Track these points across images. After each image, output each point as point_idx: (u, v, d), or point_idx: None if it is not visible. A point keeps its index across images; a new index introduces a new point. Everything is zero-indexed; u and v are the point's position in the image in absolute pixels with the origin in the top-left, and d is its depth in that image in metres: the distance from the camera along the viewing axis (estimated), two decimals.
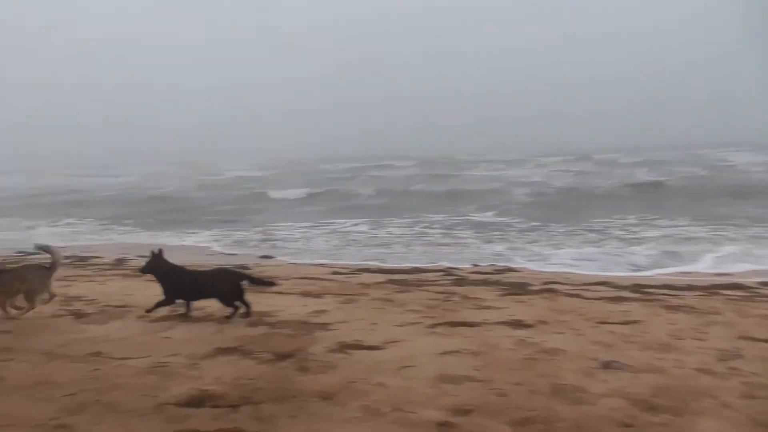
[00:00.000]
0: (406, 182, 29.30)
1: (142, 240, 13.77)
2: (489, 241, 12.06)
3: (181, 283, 4.97)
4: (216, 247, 12.55)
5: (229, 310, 4.91)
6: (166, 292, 4.95)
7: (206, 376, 3.34)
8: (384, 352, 3.86)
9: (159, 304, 4.93)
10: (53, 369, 3.49)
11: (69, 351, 3.94)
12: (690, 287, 6.83)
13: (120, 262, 9.99)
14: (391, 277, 7.81)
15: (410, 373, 3.37)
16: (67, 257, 10.81)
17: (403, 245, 12.00)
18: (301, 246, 12.47)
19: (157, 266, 4.98)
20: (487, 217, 16.30)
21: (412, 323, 4.71)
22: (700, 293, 6.40)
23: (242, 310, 4.91)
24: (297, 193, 25.68)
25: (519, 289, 6.74)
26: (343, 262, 9.86)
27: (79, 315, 5.08)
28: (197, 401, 2.95)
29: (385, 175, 35.45)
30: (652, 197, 19.20)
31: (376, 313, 5.19)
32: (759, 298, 6.06)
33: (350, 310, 5.31)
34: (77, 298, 5.88)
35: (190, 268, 5.37)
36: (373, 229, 14.47)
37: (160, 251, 5.07)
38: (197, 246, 12.77)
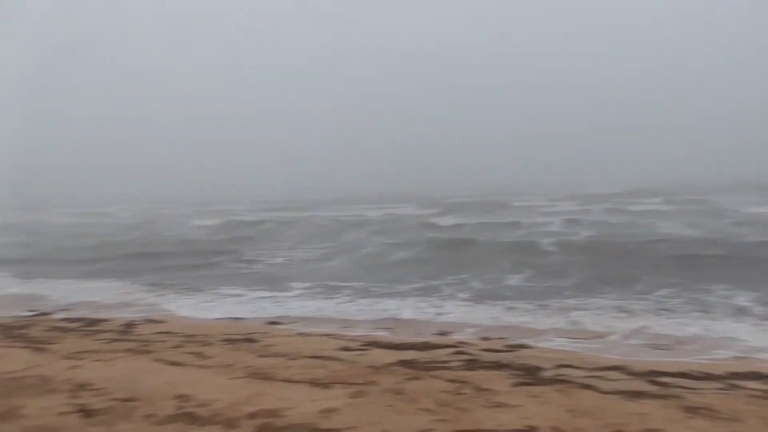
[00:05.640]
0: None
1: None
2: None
3: None
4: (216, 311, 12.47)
5: None
6: None
7: None
8: None
9: None
10: None
11: None
12: (708, 377, 6.68)
13: (128, 329, 9.89)
14: (402, 356, 7.68)
15: None
16: (73, 320, 10.82)
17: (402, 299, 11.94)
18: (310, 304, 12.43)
19: None
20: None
21: (425, 431, 4.59)
22: (720, 386, 6.24)
23: None
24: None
25: (531, 375, 6.60)
26: (352, 333, 9.76)
27: (87, 413, 5.01)
28: None
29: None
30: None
31: (388, 412, 5.07)
32: None
33: (361, 408, 5.18)
34: (85, 387, 5.81)
35: None
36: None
37: None
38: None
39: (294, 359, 7.34)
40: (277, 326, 10.46)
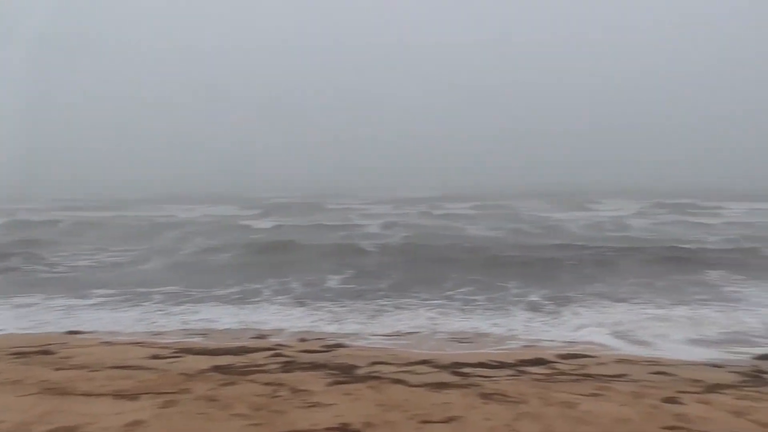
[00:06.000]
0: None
1: None
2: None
3: None
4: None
5: None
6: None
7: None
8: None
9: None
10: None
11: None
12: (501, 365, 7.40)
13: None
14: (216, 362, 7.46)
15: None
16: None
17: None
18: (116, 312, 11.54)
19: None
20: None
21: None
22: (511, 373, 6.95)
23: None
24: None
25: (346, 374, 6.80)
26: (164, 340, 9.26)
27: None
28: None
29: None
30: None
31: (200, 420, 4.91)
32: (561, 377, 6.71)
33: (171, 419, 4.96)
34: None
35: None
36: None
37: None
38: None
39: (96, 371, 6.80)
40: (78, 336, 9.58)
